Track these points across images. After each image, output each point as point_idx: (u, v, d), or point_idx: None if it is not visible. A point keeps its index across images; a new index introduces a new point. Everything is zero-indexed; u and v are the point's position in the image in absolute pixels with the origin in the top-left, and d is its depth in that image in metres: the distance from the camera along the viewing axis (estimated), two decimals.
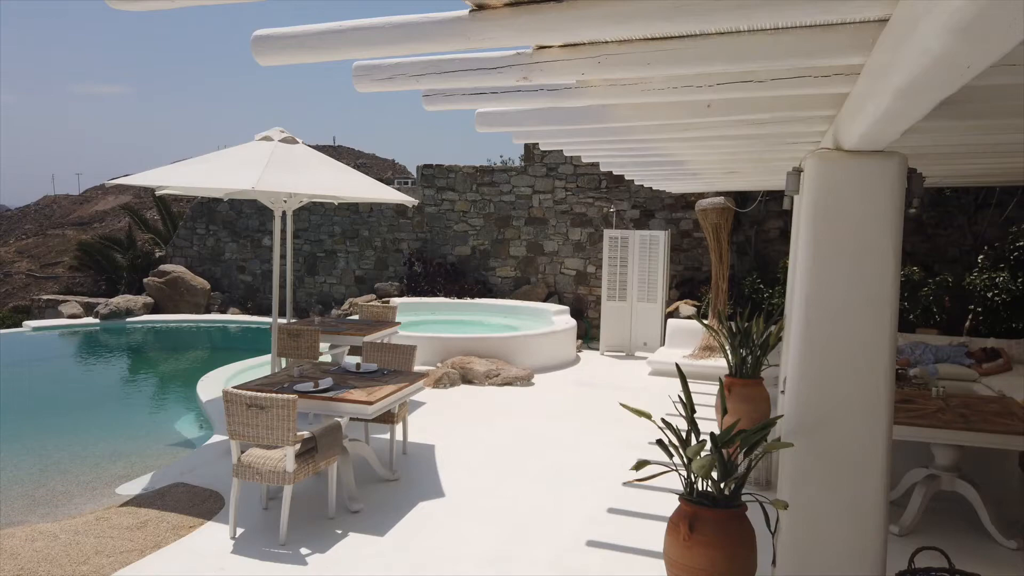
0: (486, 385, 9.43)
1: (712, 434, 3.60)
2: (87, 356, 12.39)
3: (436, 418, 7.83)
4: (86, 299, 14.36)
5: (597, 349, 12.19)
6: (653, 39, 2.69)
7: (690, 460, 3.58)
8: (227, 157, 6.07)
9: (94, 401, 9.67)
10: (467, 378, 9.55)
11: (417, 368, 8.92)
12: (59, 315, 13.67)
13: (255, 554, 4.62)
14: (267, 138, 6.32)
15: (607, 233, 11.92)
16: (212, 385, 8.67)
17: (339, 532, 4.96)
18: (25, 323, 12.92)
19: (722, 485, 3.60)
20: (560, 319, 11.75)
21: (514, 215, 13.98)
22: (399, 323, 9.21)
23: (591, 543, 4.86)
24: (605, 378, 10.15)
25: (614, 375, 10.37)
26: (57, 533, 4.82)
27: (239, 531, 4.90)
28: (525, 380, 9.56)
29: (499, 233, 14.09)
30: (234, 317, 14.28)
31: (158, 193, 7.40)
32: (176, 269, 14.57)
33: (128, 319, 13.39)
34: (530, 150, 13.84)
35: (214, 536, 4.86)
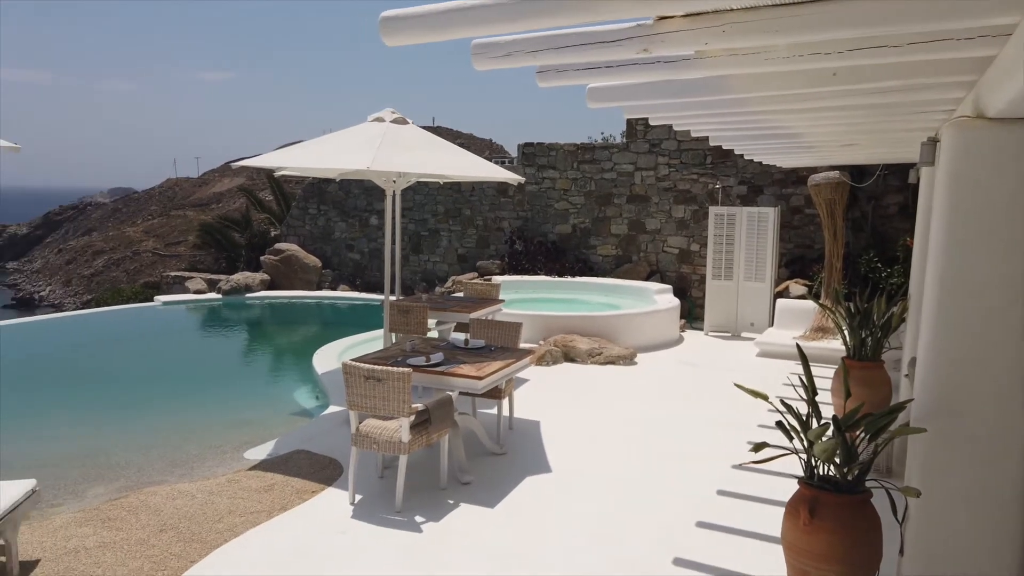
0: (588, 363, 9.43)
1: (835, 417, 3.47)
2: (211, 329, 13.22)
3: (540, 395, 7.90)
4: (209, 275, 15.27)
5: (701, 329, 11.94)
6: (782, 4, 2.59)
7: (811, 443, 3.47)
8: (342, 138, 6.29)
9: (219, 371, 10.32)
10: (569, 356, 9.58)
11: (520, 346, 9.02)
12: (185, 290, 14.61)
13: (373, 520, 4.82)
14: (379, 119, 6.49)
15: (712, 210, 11.61)
16: (326, 358, 9.06)
17: (451, 502, 5.11)
18: (156, 298, 13.89)
19: (845, 470, 3.48)
20: (663, 298, 11.58)
21: (615, 193, 13.83)
22: (503, 300, 9.32)
23: (701, 524, 4.81)
24: (710, 358, 9.95)
25: (719, 356, 10.14)
26: (194, 493, 5.19)
27: (358, 497, 5.13)
28: (628, 359, 9.49)
29: (600, 211, 13.97)
30: (343, 294, 14.85)
31: (276, 174, 7.75)
32: (290, 247, 15.26)
33: (247, 295, 14.16)
34: (632, 126, 13.61)
35: (335, 501, 5.11)
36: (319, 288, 15.24)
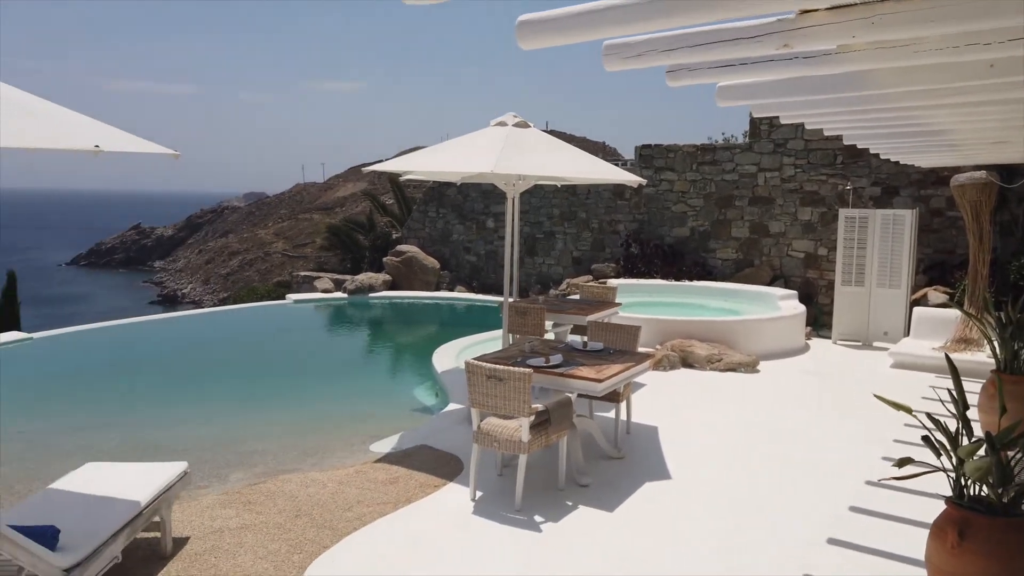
0: (707, 369, 9.19)
1: (988, 434, 3.22)
2: (337, 326, 13.86)
3: (657, 400, 7.78)
4: (335, 276, 16.00)
5: (828, 337, 11.38)
6: None
7: (962, 461, 3.24)
8: (466, 143, 6.43)
9: (345, 366, 10.79)
10: (687, 361, 9.37)
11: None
12: (314, 290, 15.37)
13: (493, 516, 4.90)
14: (501, 123, 6.60)
15: (843, 212, 11.05)
16: (445, 357, 9.28)
17: (569, 504, 5.12)
18: (288, 296, 14.70)
19: (1000, 491, 3.22)
20: (787, 304, 11.12)
21: (737, 195, 13.41)
22: (619, 303, 9.25)
23: (833, 541, 4.59)
24: (838, 368, 9.47)
25: (849, 366, 9.63)
26: (325, 482, 5.45)
27: (478, 494, 5.22)
28: (750, 366, 9.18)
29: (720, 213, 13.60)
30: (460, 295, 15.17)
31: (401, 178, 8.02)
32: (410, 249, 15.76)
33: (370, 294, 14.74)
34: (756, 126, 13.17)
35: (456, 497, 5.23)
36: (437, 289, 15.65)
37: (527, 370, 4.88)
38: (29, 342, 10.02)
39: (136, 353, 10.95)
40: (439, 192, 16.84)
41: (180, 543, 4.44)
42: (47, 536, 3.31)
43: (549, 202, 15.57)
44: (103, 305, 42.03)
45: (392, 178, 20.13)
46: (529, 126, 6.69)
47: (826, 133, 6.11)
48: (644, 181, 7.09)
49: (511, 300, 7.69)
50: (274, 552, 4.36)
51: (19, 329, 12.68)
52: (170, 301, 48.46)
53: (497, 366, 4.96)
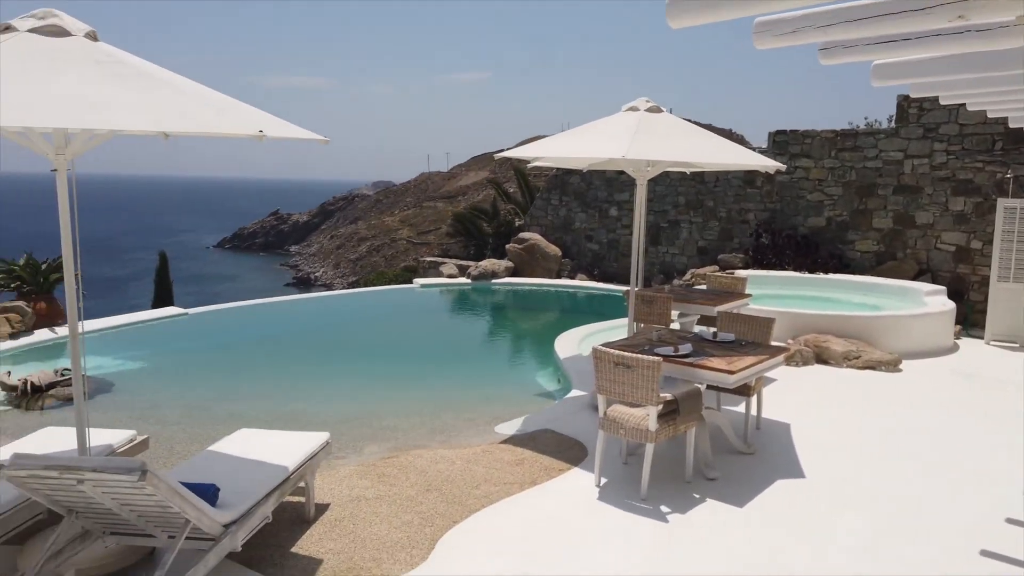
0: (843, 367, 8.73)
1: None
2: (461, 311, 14.19)
3: (789, 396, 7.47)
4: (459, 261, 16.37)
5: (980, 337, 10.53)
6: None
7: None
8: (596, 129, 6.40)
9: (469, 349, 11.05)
10: (822, 357, 8.94)
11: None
12: (439, 275, 15.79)
13: (618, 504, 4.88)
14: (633, 108, 6.51)
15: (1002, 203, 10.16)
16: (567, 344, 9.31)
17: (696, 496, 5.02)
18: (415, 280, 15.19)
19: None
20: (935, 300, 10.37)
21: (880, 183, 12.60)
22: (750, 295, 8.94)
23: (986, 553, 4.26)
24: (992, 371, 8.74)
25: (1004, 369, 8.87)
26: (453, 459, 5.61)
27: (603, 480, 5.22)
28: (891, 365, 8.64)
29: (860, 203, 12.83)
30: (582, 283, 15.14)
31: (529, 166, 8.08)
32: (533, 237, 15.87)
33: (493, 280, 14.98)
34: (903, 110, 12.31)
35: (580, 482, 5.25)
36: (559, 276, 15.69)
37: (657, 358, 4.81)
38: (185, 317, 10.89)
39: (279, 330, 11.67)
40: (562, 180, 16.84)
41: (321, 509, 4.70)
42: (209, 493, 3.60)
43: (675, 190, 15.24)
44: (245, 285, 45.07)
45: (516, 166, 20.30)
46: (661, 111, 6.56)
47: (990, 115, 5.63)
48: (783, 167, 6.80)
49: (637, 289, 7.60)
50: (407, 523, 4.54)
51: (172, 305, 13.81)
52: (304, 283, 51.22)
53: (625, 353, 4.92)
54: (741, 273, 11.88)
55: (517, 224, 18.01)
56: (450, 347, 11.13)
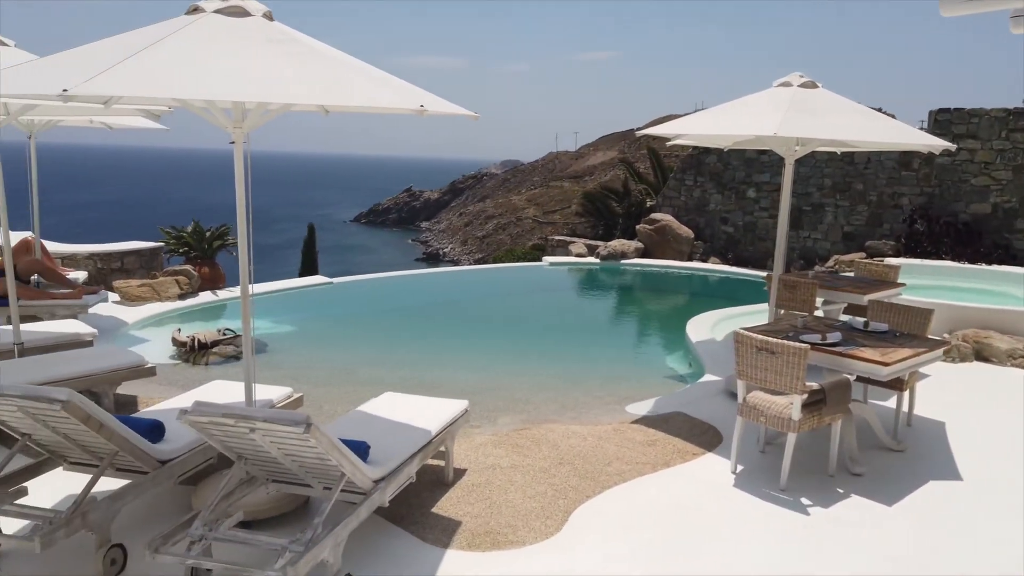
0: (1007, 365, 8.03)
1: None
2: (590, 290, 14.19)
3: (944, 393, 6.96)
4: (588, 241, 16.33)
5: None
6: None
7: None
8: (745, 105, 6.16)
9: (598, 328, 11.04)
10: (982, 354, 8.26)
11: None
12: (567, 253, 15.82)
13: (755, 492, 4.75)
14: (786, 84, 6.21)
15: None
16: (700, 328, 9.09)
17: (840, 491, 4.80)
18: (544, 259, 15.30)
19: None
20: None
21: None
22: (902, 284, 8.38)
23: None
24: None
25: None
26: (585, 435, 5.65)
27: (739, 467, 5.09)
28: None
29: None
30: (714, 266, 14.72)
31: (669, 144, 7.91)
32: (664, 218, 15.56)
33: (622, 261, 14.83)
34: None
35: (714, 467, 5.14)
36: (690, 259, 15.32)
37: (804, 346, 4.62)
38: (329, 286, 11.52)
39: (416, 301, 12.14)
40: (698, 160, 16.37)
41: (459, 473, 4.87)
42: (361, 450, 3.81)
43: (820, 171, 14.46)
44: (379, 258, 47.04)
45: (649, 146, 19.93)
46: (817, 86, 6.22)
47: None
48: (953, 146, 6.27)
49: (766, 274, 7.30)
50: (541, 494, 4.62)
51: (317, 274, 14.63)
52: (432, 259, 52.76)
53: (770, 338, 4.76)
54: (892, 261, 11.15)
55: (648, 205, 17.71)
56: (579, 325, 11.16)
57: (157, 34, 3.41)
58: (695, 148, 15.96)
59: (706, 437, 5.70)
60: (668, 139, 7.46)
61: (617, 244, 15.12)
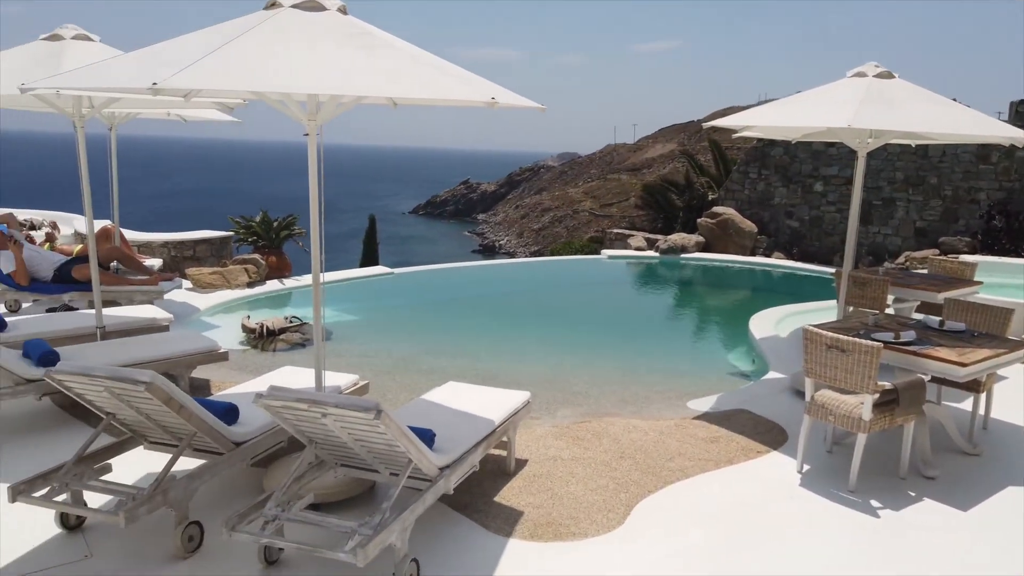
0: None
1: None
2: (649, 284, 14.06)
3: (1023, 396, 6.68)
4: (647, 235, 16.16)
5: None
6: None
7: None
8: (817, 96, 6.00)
9: (657, 323, 10.95)
10: None
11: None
12: (626, 247, 15.70)
13: (822, 492, 4.65)
14: (860, 74, 6.02)
15: None
16: (764, 324, 8.92)
17: (912, 495, 4.66)
18: (602, 252, 15.22)
19: None
20: None
21: None
22: (979, 283, 8.06)
23: None
24: None
25: None
26: (646, 430, 5.61)
27: (805, 467, 4.99)
28: None
29: None
30: (778, 261, 14.40)
31: (735, 136, 7.77)
32: (726, 211, 15.29)
33: (682, 255, 14.65)
34: None
35: (780, 466, 5.05)
36: (752, 254, 15.03)
37: (877, 344, 4.49)
38: (391, 276, 11.70)
39: (475, 292, 12.24)
40: (762, 152, 16.02)
41: (520, 464, 4.90)
42: (427, 437, 3.87)
43: (892, 165, 13.98)
44: (436, 250, 47.51)
45: (711, 138, 19.59)
46: (893, 76, 6.02)
47: None
48: None
49: (831, 270, 7.11)
50: (602, 487, 4.62)
51: (378, 264, 14.88)
52: (488, 251, 52.99)
53: (841, 336, 4.64)
54: (967, 258, 10.73)
55: (710, 198, 17.42)
56: (638, 319, 11.08)
57: (238, 29, 3.51)
58: (760, 140, 15.62)
59: (771, 435, 5.60)
60: (734, 131, 7.33)
61: (677, 238, 14.93)
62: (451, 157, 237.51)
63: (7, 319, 6.04)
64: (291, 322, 8.04)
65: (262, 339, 7.71)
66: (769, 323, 8.99)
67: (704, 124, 6.91)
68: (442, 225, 65.99)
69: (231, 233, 11.27)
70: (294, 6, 3.73)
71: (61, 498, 3.70)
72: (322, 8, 3.76)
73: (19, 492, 3.60)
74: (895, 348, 4.91)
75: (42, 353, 5.02)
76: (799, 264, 14.14)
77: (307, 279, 10.64)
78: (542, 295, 12.51)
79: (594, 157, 71.95)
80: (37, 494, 3.65)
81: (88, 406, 3.91)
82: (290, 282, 10.42)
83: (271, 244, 10.65)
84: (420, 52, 3.79)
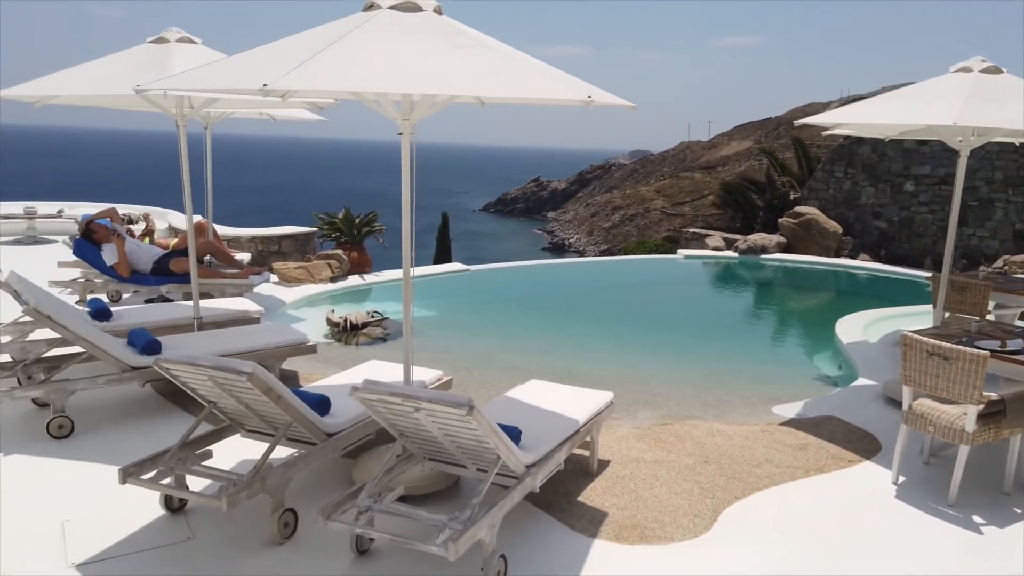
0: None
1: None
2: (728, 285, 13.77)
3: None
4: (724, 234, 15.83)
5: None
6: None
7: None
8: (917, 92, 5.75)
9: (736, 325, 10.70)
10: None
11: None
12: (702, 247, 15.42)
13: (919, 505, 4.46)
14: (965, 69, 5.74)
15: None
16: (851, 328, 8.63)
17: (1017, 511, 4.43)
18: (679, 251, 14.99)
19: None
20: None
21: None
22: None
23: None
24: None
25: None
26: (730, 435, 5.50)
27: (900, 478, 4.80)
28: None
29: None
30: (865, 264, 13.88)
31: (824, 133, 7.52)
32: (809, 211, 14.82)
33: (762, 256, 14.28)
34: None
35: (873, 476, 4.87)
36: (837, 255, 14.53)
37: (983, 352, 4.27)
38: (467, 273, 11.82)
39: (550, 290, 12.24)
40: (849, 150, 15.46)
41: (602, 465, 4.88)
42: (513, 435, 3.89)
43: (990, 164, 13.29)
44: (507, 247, 47.72)
45: (795, 135, 19.01)
46: (1001, 71, 5.71)
47: None
48: None
49: (927, 274, 6.79)
50: (687, 491, 4.55)
51: (451, 261, 15.04)
52: (558, 249, 52.87)
53: (943, 343, 4.43)
54: None
55: (792, 197, 16.92)
56: (717, 321, 10.86)
57: (338, 31, 3.60)
58: (846, 138, 15.09)
59: (863, 444, 5.40)
60: (822, 128, 7.09)
61: (757, 237, 14.57)
62: (521, 155, 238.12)
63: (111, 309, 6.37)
64: (372, 317, 8.22)
65: (345, 333, 7.90)
66: (857, 327, 8.69)
67: (796, 122, 6.70)
68: (512, 222, 66.26)
69: (315, 229, 11.59)
70: (392, 7, 3.80)
71: (166, 481, 3.88)
72: (419, 9, 3.82)
73: (129, 474, 3.79)
74: (1003, 357, 4.67)
75: (146, 342, 5.27)
76: (887, 267, 13.60)
77: (386, 275, 10.84)
78: (617, 294, 12.41)
79: (667, 155, 70.93)
80: (145, 476, 3.84)
81: (191, 394, 4.08)
82: (370, 277, 10.64)
83: (353, 240, 10.90)
84: (514, 51, 3.81)
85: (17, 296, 4.97)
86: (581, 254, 47.26)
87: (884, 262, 13.96)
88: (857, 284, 13.30)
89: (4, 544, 3.74)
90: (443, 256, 18.64)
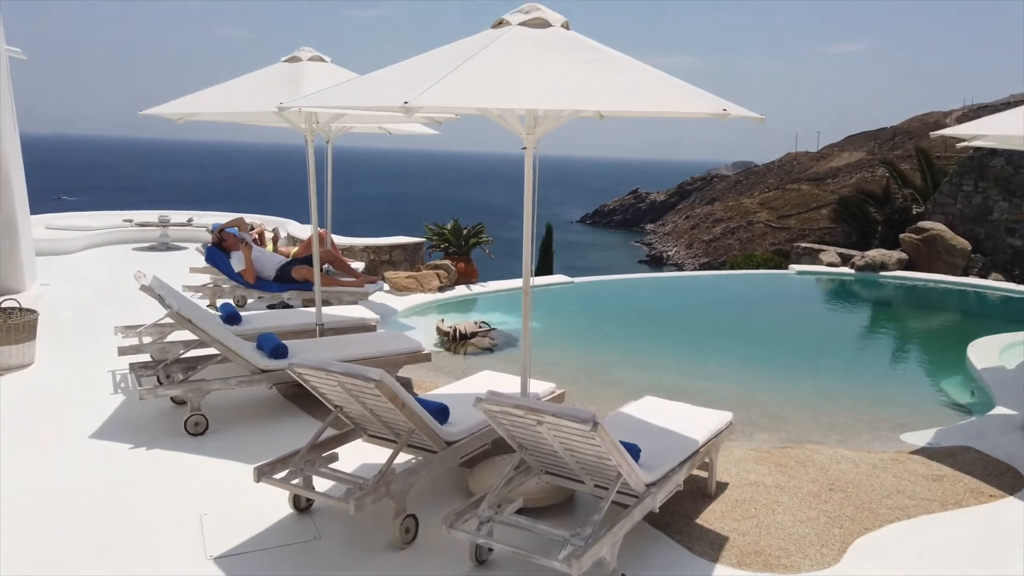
0: None
1: None
2: (845, 303, 13.16)
3: None
4: (840, 250, 15.15)
5: None
6: None
7: None
8: None
9: (855, 345, 10.21)
10: None
11: None
12: (815, 262, 14.81)
13: None
14: None
15: None
16: (985, 352, 8.07)
17: None
18: (791, 267, 14.45)
19: None
20: None
21: None
22: None
23: None
24: None
25: None
26: (857, 461, 5.23)
27: None
28: None
29: None
30: (998, 284, 12.94)
31: (960, 145, 7.08)
32: (934, 227, 13.97)
33: (881, 273, 13.57)
34: None
35: (1017, 512, 4.52)
36: (965, 274, 13.63)
37: None
38: (571, 285, 11.80)
39: (656, 304, 12.06)
40: (980, 163, 14.50)
41: (721, 487, 4.73)
42: (633, 452, 3.83)
43: None
44: (605, 259, 47.39)
45: (918, 146, 18.02)
46: None
47: None
48: None
49: None
50: (812, 519, 4.35)
51: (552, 272, 15.05)
52: (656, 262, 52.02)
53: None
54: None
55: (915, 212, 16.02)
56: (836, 341, 10.39)
57: (471, 48, 3.68)
58: (977, 149, 14.17)
59: (1005, 478, 5.02)
60: (959, 140, 6.67)
61: (876, 254, 13.86)
62: (620, 167, 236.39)
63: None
64: (480, 327, 8.32)
65: (455, 342, 8.04)
66: (992, 351, 8.12)
67: (932, 134, 6.33)
68: (608, 234, 65.80)
69: (424, 239, 11.87)
70: (522, 24, 3.85)
71: (296, 481, 4.04)
72: (547, 25, 3.86)
73: (263, 473, 3.97)
74: None
75: (274, 346, 5.53)
76: (1021, 287, 12.64)
77: (492, 285, 10.96)
78: (728, 310, 12.07)
79: (772, 166, 68.76)
80: (277, 476, 4.01)
81: (320, 398, 4.25)
82: (476, 288, 10.79)
83: (460, 251, 11.09)
84: (642, 65, 3.78)
85: (161, 300, 5.32)
86: (680, 267, 46.39)
87: (1018, 281, 12.98)
88: (988, 305, 12.42)
89: (149, 533, 4.00)
90: (546, 267, 18.69)
